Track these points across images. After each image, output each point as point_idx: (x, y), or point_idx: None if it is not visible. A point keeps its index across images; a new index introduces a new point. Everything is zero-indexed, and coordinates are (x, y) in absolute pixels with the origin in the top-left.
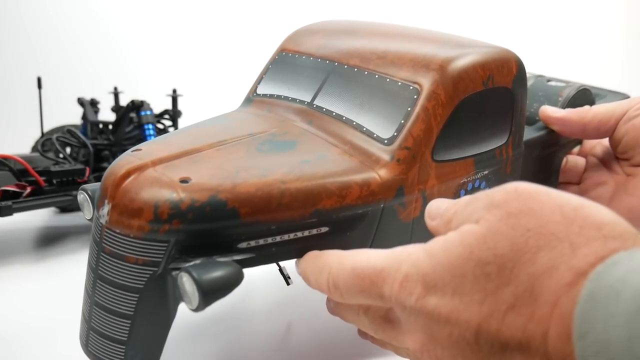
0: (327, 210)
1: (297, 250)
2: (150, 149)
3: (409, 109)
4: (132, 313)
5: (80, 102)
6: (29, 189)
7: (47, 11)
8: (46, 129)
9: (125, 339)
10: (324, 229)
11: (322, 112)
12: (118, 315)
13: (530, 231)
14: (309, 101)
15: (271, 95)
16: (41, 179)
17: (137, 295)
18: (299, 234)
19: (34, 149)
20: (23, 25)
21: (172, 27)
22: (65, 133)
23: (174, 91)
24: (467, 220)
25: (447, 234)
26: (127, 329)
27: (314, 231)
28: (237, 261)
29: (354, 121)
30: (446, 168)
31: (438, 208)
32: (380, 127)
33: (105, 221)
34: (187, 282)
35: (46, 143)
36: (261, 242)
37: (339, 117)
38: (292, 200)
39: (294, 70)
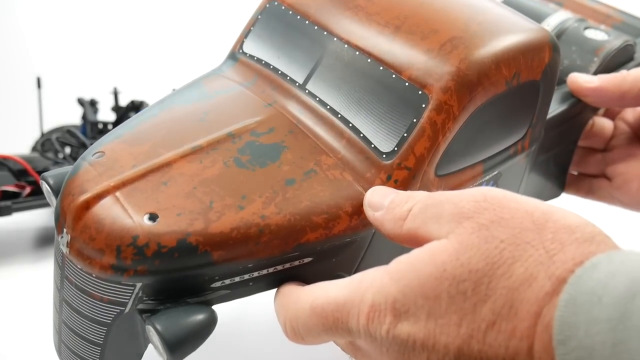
0: (311, 244)
1: (277, 281)
2: (114, 154)
3: (415, 120)
4: (101, 342)
5: (80, 102)
6: (28, 189)
7: (47, 11)
8: (46, 129)
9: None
10: (307, 260)
11: (316, 102)
12: (87, 341)
13: (504, 242)
14: (300, 82)
15: (259, 60)
16: None
17: (105, 329)
18: (279, 267)
19: (34, 149)
20: (23, 25)
21: (171, 27)
22: (65, 133)
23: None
24: (429, 225)
25: (412, 252)
26: (98, 353)
27: (296, 262)
28: (211, 299)
29: (350, 122)
30: (450, 180)
31: (382, 197)
32: (379, 136)
33: (66, 251)
34: (153, 337)
35: (46, 143)
36: (237, 279)
37: (334, 113)
38: (272, 237)
39: (286, 32)
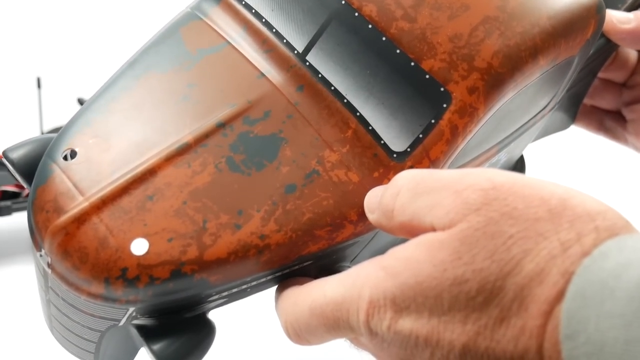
0: (312, 254)
1: (275, 283)
2: (87, 153)
3: (433, 121)
4: (95, 341)
5: (80, 102)
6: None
7: (47, 11)
8: (46, 129)
9: (93, 352)
10: (307, 263)
11: (317, 79)
12: (80, 337)
13: (513, 237)
14: (300, 51)
15: (247, 6)
16: None
17: (98, 333)
18: (278, 274)
19: None
20: (23, 25)
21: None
22: None
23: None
24: (422, 216)
25: (408, 245)
26: (92, 347)
27: (295, 267)
28: (208, 308)
29: (357, 110)
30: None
31: (376, 197)
32: (390, 132)
33: (48, 271)
34: (150, 357)
35: None
36: (234, 290)
37: (338, 97)
38: (273, 256)
39: None
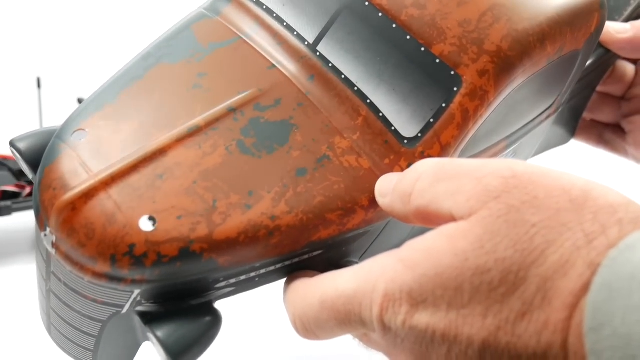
0: (323, 240)
1: (284, 274)
2: (97, 133)
3: (444, 105)
4: (96, 334)
5: (80, 102)
6: (28, 189)
7: (47, 11)
8: None
9: (92, 350)
10: (317, 253)
11: (328, 69)
12: (80, 332)
13: (536, 226)
14: (310, 42)
15: (259, 3)
16: None
17: (100, 324)
18: (287, 263)
19: None
20: (23, 25)
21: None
22: None
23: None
24: (442, 202)
25: (427, 236)
26: (92, 342)
27: (305, 257)
28: (214, 297)
29: (368, 98)
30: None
31: (389, 182)
32: (401, 118)
33: (51, 251)
34: (155, 345)
35: None
36: (242, 277)
37: (349, 85)
38: (283, 239)
39: None
